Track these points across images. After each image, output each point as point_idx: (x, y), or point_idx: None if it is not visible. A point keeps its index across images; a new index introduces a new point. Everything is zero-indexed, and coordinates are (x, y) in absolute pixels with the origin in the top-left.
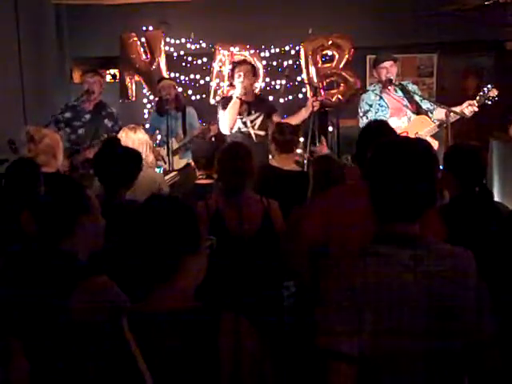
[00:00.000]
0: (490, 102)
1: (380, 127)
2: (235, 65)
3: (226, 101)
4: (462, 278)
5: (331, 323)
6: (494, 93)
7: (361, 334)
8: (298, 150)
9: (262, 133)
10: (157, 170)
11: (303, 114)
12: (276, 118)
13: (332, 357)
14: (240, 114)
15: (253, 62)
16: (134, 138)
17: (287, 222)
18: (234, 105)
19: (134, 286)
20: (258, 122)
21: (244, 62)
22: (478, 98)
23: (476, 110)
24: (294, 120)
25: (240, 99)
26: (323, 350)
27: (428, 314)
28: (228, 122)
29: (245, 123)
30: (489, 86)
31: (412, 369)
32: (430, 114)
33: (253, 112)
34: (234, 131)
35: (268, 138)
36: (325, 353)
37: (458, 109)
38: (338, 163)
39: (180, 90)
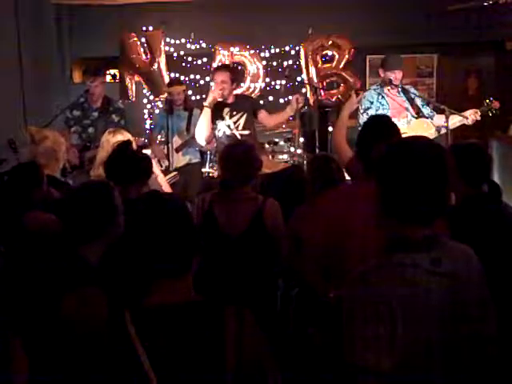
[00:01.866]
0: (491, 114)
1: (385, 123)
2: (215, 70)
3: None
4: (475, 275)
5: (358, 338)
6: (497, 105)
7: (391, 347)
8: (299, 150)
9: (246, 132)
10: None
11: (288, 112)
12: (262, 115)
13: (360, 372)
14: (222, 117)
15: (234, 66)
16: (112, 142)
17: (289, 224)
18: (205, 114)
19: (141, 281)
20: (242, 121)
21: (224, 67)
22: (481, 108)
23: (478, 118)
24: (279, 118)
25: (210, 108)
26: (350, 365)
27: (452, 315)
28: (203, 132)
29: (228, 126)
30: (491, 98)
31: (433, 371)
32: (430, 120)
33: (234, 113)
34: (219, 135)
35: (254, 137)
36: (352, 367)
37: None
38: (336, 162)
39: None
